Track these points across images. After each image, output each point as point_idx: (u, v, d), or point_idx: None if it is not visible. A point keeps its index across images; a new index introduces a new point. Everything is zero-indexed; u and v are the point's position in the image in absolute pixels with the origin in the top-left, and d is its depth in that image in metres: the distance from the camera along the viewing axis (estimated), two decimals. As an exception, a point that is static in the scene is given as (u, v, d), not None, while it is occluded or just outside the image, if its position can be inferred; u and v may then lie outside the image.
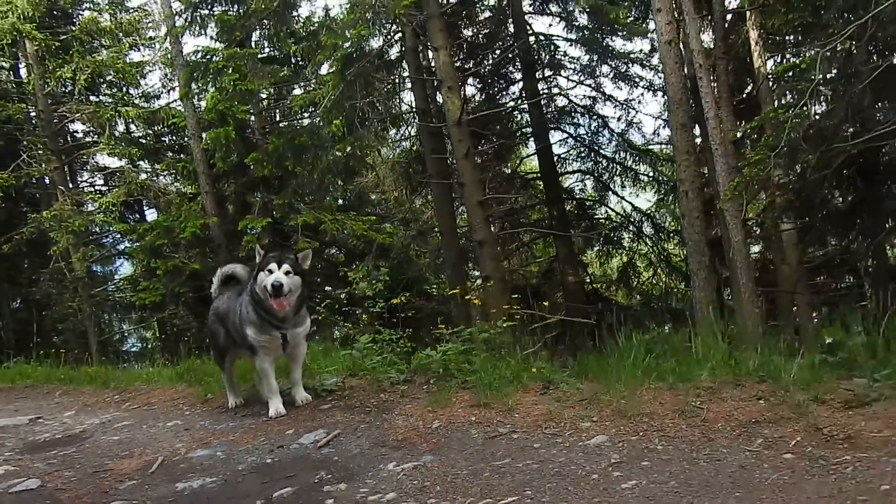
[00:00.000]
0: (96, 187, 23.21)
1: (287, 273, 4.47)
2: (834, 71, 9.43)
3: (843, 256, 13.40)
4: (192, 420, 5.10)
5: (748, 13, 12.80)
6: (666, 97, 12.69)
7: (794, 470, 2.63)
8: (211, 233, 17.42)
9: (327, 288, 16.13)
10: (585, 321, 13.84)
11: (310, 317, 5.01)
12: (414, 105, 14.51)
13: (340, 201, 18.57)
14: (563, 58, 18.44)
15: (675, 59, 11.49)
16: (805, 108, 8.59)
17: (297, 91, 17.14)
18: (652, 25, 14.52)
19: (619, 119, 19.43)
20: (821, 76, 8.53)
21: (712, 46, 12.52)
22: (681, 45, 11.83)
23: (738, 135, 12.21)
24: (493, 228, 14.76)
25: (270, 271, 4.48)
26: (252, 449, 4.05)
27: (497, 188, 19.61)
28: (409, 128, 17.60)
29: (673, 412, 3.38)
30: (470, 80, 18.21)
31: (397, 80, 14.92)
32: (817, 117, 8.99)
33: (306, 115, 16.68)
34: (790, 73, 9.51)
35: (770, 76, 12.99)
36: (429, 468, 3.24)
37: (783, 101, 11.45)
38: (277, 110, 18.48)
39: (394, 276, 17.89)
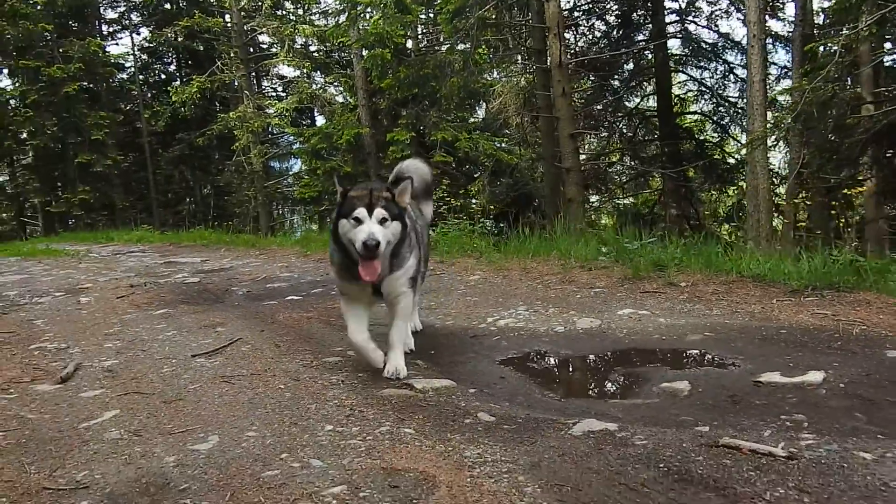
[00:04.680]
0: (277, 93, 27.10)
1: (382, 221, 3.12)
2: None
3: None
4: (292, 263, 8.04)
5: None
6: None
7: (536, 290, 5.02)
8: (363, 141, 20.39)
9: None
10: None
11: (412, 254, 3.44)
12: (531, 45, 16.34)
13: (473, 121, 20.78)
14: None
15: (755, 20, 12.77)
16: (824, 84, 9.83)
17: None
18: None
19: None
20: (839, 60, 9.75)
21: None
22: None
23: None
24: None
25: (358, 219, 3.11)
26: (313, 274, 6.89)
27: (616, 122, 21.27)
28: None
29: (518, 269, 5.76)
30: (598, 23, 19.83)
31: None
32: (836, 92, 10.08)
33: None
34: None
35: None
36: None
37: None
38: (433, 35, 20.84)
39: (510, 192, 20.33)
